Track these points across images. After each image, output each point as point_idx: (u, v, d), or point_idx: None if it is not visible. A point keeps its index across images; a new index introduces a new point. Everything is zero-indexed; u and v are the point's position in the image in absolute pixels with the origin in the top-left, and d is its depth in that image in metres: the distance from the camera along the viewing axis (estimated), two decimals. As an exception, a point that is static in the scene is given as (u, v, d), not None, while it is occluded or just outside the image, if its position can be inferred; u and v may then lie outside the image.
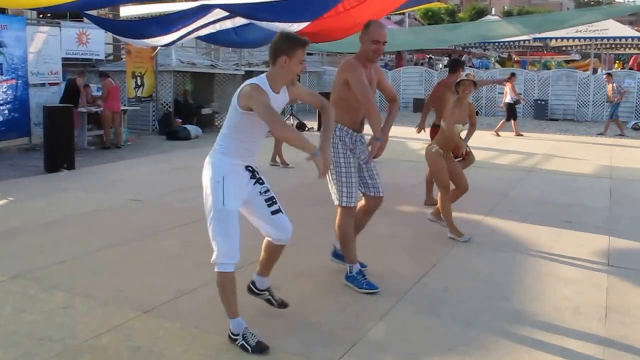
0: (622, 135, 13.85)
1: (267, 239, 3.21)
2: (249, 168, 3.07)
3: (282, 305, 3.38)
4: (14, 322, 3.23)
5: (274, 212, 3.07)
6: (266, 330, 3.08)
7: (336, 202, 3.85)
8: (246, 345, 2.94)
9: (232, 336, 3.01)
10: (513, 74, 14.04)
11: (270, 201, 3.08)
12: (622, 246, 4.96)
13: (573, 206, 6.42)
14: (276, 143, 8.60)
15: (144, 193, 6.79)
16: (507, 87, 13.26)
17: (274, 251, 3.24)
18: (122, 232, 5.09)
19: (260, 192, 3.07)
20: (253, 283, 3.38)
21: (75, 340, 3.02)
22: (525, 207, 6.39)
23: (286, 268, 4.15)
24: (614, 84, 14.16)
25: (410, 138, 12.63)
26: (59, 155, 8.24)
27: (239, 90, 2.95)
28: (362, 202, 4.06)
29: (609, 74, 14.82)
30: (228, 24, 8.94)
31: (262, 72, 3.13)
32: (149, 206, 6.21)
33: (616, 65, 25.95)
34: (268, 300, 3.36)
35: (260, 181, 3.09)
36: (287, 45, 2.92)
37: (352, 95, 3.79)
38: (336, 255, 4.19)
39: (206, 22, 8.90)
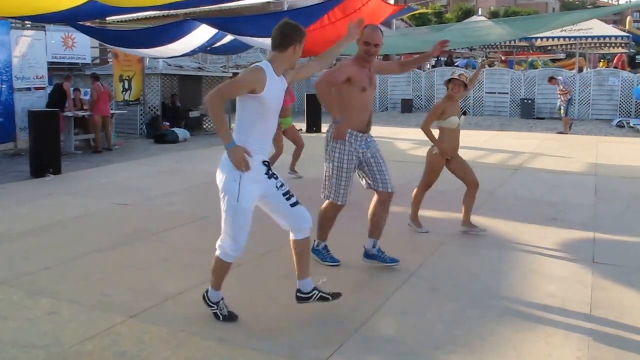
0: (563, 133, 14.19)
1: (292, 240, 3.27)
2: (265, 163, 3.13)
3: (336, 295, 3.42)
4: (-2, 330, 3.20)
5: (293, 205, 3.16)
6: (254, 332, 3.08)
7: (328, 198, 3.95)
8: (219, 314, 3.24)
9: (210, 304, 3.27)
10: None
11: (288, 195, 3.16)
12: (607, 243, 5.01)
13: (559, 204, 6.49)
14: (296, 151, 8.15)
15: (132, 197, 6.76)
16: None
17: (302, 248, 3.28)
18: (108, 237, 5.06)
19: (277, 187, 3.14)
20: (299, 291, 3.38)
21: (61, 346, 2.99)
22: (511, 205, 6.44)
23: (273, 270, 4.16)
24: (561, 85, 14.37)
25: (398, 139, 12.72)
26: (45, 160, 8.16)
27: None
28: (375, 197, 4.17)
29: (552, 78, 15.07)
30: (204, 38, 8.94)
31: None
32: (137, 210, 6.18)
33: (601, 64, 26.18)
34: (321, 298, 3.37)
35: (275, 176, 3.16)
36: (299, 35, 3.13)
37: (354, 95, 3.93)
38: (367, 256, 4.26)
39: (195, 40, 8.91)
